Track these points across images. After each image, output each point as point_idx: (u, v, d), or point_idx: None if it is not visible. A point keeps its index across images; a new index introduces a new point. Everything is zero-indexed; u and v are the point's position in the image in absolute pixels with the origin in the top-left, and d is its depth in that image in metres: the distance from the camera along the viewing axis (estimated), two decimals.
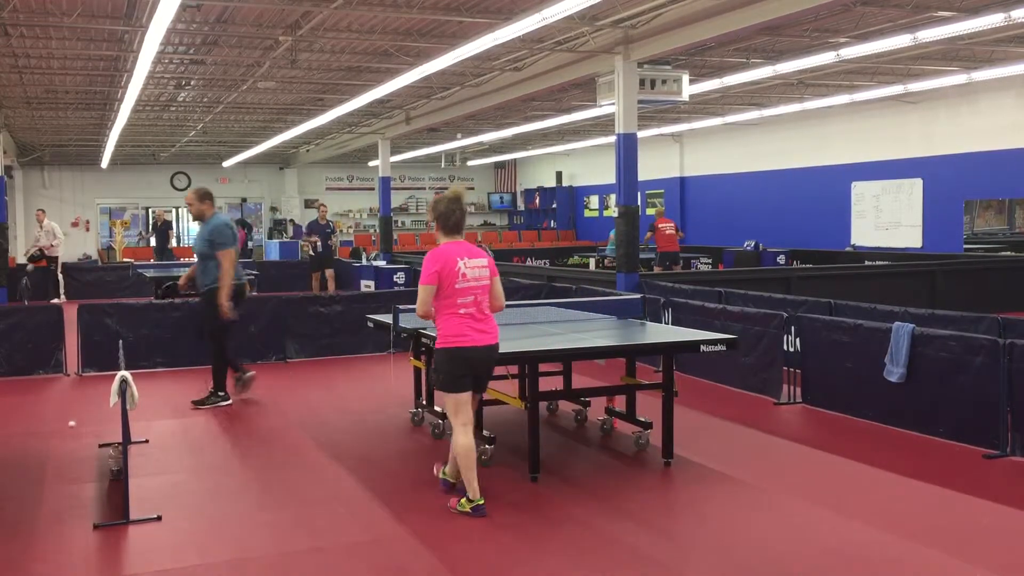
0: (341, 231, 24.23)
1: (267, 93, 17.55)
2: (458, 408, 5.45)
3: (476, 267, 5.38)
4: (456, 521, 5.27)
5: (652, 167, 24.59)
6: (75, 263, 24.77)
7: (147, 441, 7.18)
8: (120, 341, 8.13)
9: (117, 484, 5.71)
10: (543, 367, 6.37)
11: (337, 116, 19.17)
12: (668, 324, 9.89)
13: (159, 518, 5.32)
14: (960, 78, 15.42)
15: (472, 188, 34.44)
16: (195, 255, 8.62)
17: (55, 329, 10.31)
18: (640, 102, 12.77)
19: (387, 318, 7.43)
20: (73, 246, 28.92)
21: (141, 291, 17.38)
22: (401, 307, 7.06)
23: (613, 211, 18.04)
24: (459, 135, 24.80)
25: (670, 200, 26.47)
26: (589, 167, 30.70)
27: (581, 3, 9.39)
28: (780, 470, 6.36)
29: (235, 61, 14.32)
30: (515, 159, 34.11)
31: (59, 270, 18.99)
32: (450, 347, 5.35)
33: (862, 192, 20.44)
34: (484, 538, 5.03)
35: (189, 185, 31.44)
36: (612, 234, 16.85)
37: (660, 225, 19.33)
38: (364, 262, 20.28)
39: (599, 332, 6.95)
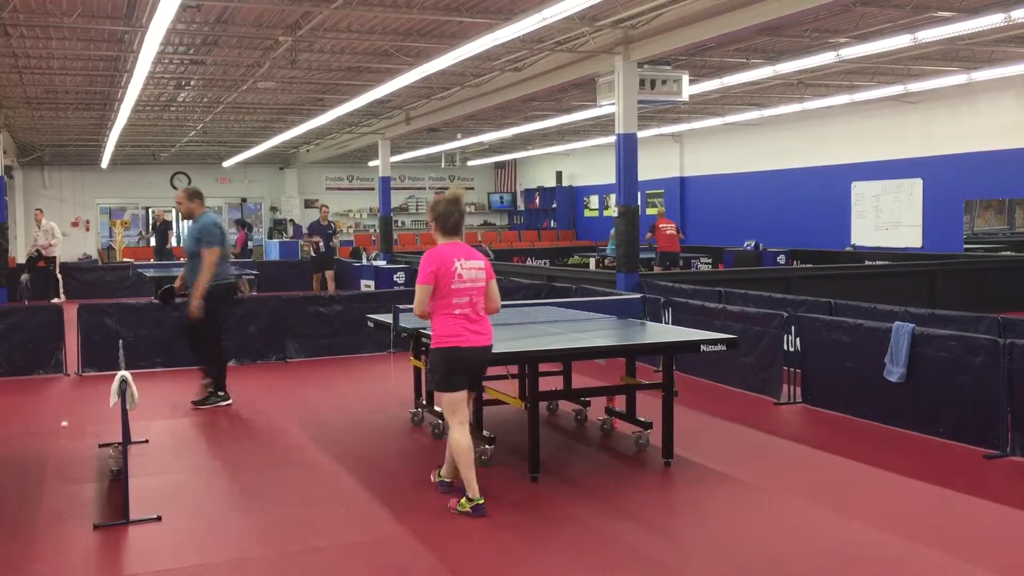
0: (341, 231, 24.23)
1: (267, 93, 17.55)
2: (455, 407, 5.49)
3: (472, 268, 5.42)
4: (456, 521, 5.27)
5: (652, 167, 24.59)
6: (75, 263, 24.78)
7: (147, 441, 7.18)
8: (120, 341, 8.12)
9: (117, 484, 5.70)
10: (543, 367, 6.38)
11: (337, 116, 19.17)
12: (668, 324, 9.89)
13: (159, 518, 5.32)
14: (960, 78, 15.42)
15: (472, 188, 34.44)
16: (185, 254, 8.63)
17: (55, 329, 10.31)
18: (640, 102, 12.76)
19: (387, 318, 7.43)
20: (73, 246, 28.93)
21: (141, 291, 17.39)
22: (401, 307, 7.06)
23: (613, 211, 18.04)
24: (459, 135, 24.80)
25: (670, 200, 26.47)
26: (589, 167, 30.71)
27: (581, 3, 9.39)
28: (780, 470, 6.36)
29: (235, 61, 14.32)
30: (515, 159, 34.11)
31: (57, 270, 18.99)
32: (445, 347, 5.39)
33: (862, 192, 20.44)
34: (484, 538, 5.03)
35: (189, 185, 31.45)
36: (613, 232, 16.87)
37: (661, 225, 19.36)
38: (364, 262, 20.29)
39: (599, 332, 6.95)
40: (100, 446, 6.73)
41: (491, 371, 6.08)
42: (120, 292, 18.97)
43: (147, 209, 30.96)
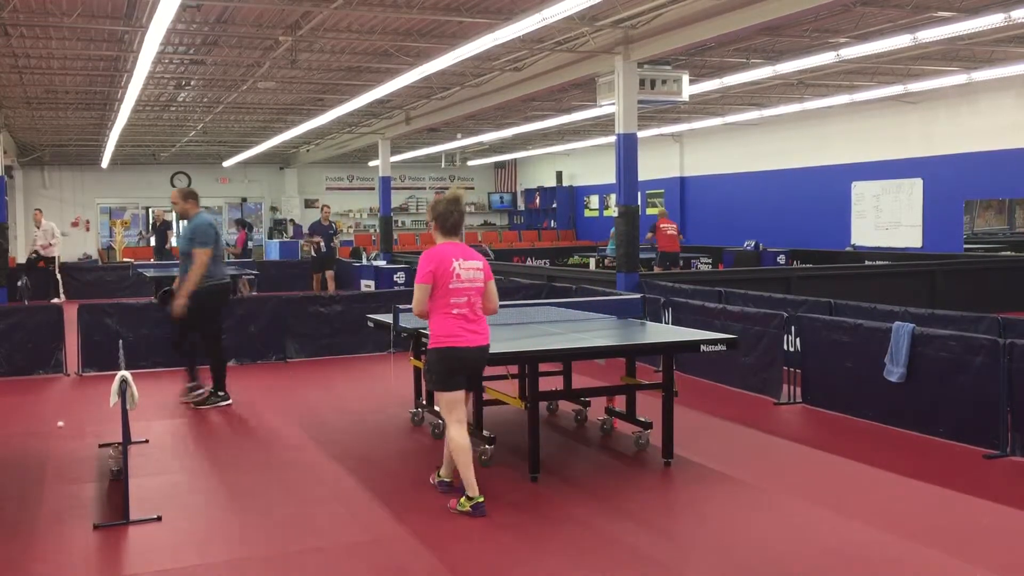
0: (341, 231, 24.25)
1: (267, 93, 17.55)
2: (452, 406, 5.51)
3: (471, 269, 5.44)
4: (456, 521, 5.27)
5: (652, 167, 24.59)
6: (75, 263, 24.77)
7: (147, 441, 7.18)
8: (120, 341, 8.14)
9: (117, 484, 5.70)
10: (543, 367, 6.38)
11: (337, 116, 19.17)
12: (668, 324, 9.89)
13: (159, 518, 5.32)
14: (960, 78, 15.42)
15: (472, 188, 34.44)
16: (179, 254, 8.66)
17: (55, 329, 10.31)
18: (640, 102, 12.76)
19: (387, 318, 7.43)
20: (73, 246, 28.94)
21: (141, 291, 17.39)
22: (401, 307, 7.06)
23: (613, 211, 18.05)
24: (459, 135, 24.80)
25: (670, 200, 26.47)
26: (589, 167, 30.71)
27: (581, 3, 9.39)
28: (780, 470, 6.36)
29: (235, 61, 14.33)
30: (515, 159, 34.11)
31: (57, 270, 18.98)
32: (442, 347, 5.42)
33: (862, 192, 20.44)
34: (484, 538, 5.03)
35: (189, 185, 31.45)
36: (613, 232, 16.87)
37: (662, 225, 19.38)
38: (364, 262, 20.29)
39: (599, 332, 6.95)
40: (100, 446, 6.73)
41: (491, 371, 6.08)
42: (120, 292, 18.97)
43: (147, 209, 30.97)
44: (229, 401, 8.55)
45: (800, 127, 21.88)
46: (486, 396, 6.84)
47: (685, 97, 13.13)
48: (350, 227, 31.99)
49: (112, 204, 31.13)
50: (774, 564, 4.59)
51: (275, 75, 15.45)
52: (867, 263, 17.17)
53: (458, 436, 5.43)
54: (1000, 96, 17.19)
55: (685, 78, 12.90)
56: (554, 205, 32.69)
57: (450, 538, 5.02)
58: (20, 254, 23.99)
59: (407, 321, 6.95)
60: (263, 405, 8.63)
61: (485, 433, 6.57)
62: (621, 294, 11.19)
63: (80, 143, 25.22)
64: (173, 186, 30.91)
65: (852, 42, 12.40)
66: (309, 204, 32.39)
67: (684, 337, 6.81)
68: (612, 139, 13.28)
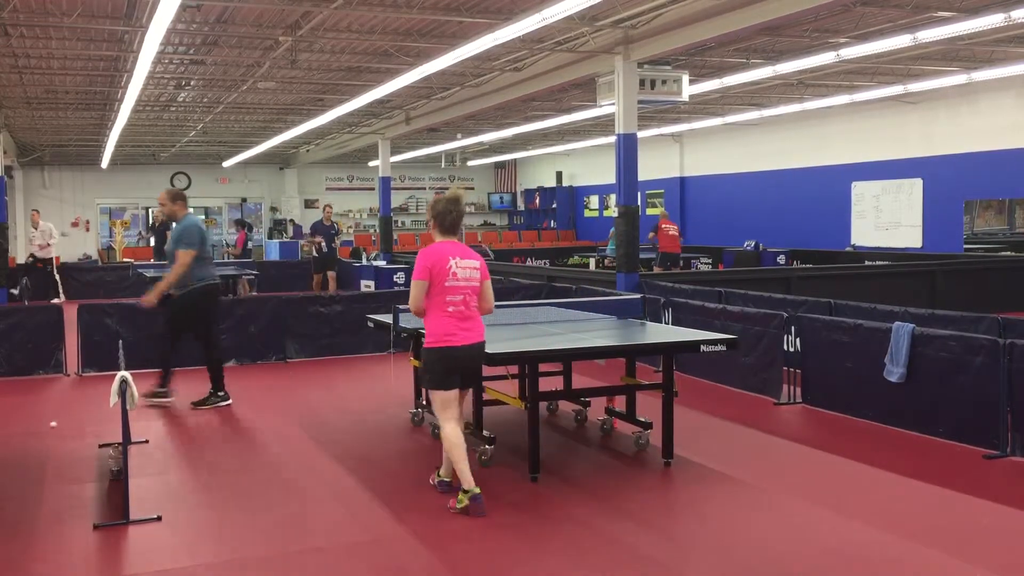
0: (341, 231, 24.25)
1: (267, 93, 17.55)
2: (445, 405, 5.57)
3: (467, 268, 5.49)
4: (456, 521, 5.27)
5: (652, 167, 24.59)
6: (75, 263, 24.77)
7: (147, 441, 7.18)
8: (120, 341, 8.14)
9: (117, 484, 5.70)
10: (543, 367, 6.38)
11: (337, 116, 19.17)
12: (668, 324, 9.90)
13: (159, 518, 5.32)
14: (960, 78, 15.42)
15: (472, 188, 34.44)
16: (167, 256, 8.69)
17: (55, 329, 10.31)
18: (640, 102, 12.77)
19: (387, 318, 7.43)
20: (73, 246, 28.96)
21: (141, 291, 17.23)
22: (401, 307, 7.05)
23: (613, 211, 18.05)
24: (459, 135, 24.80)
25: (670, 200, 26.47)
26: (589, 167, 30.71)
27: (581, 3, 9.39)
28: (780, 470, 6.36)
29: (235, 61, 14.33)
30: (515, 159, 34.11)
31: (55, 271, 18.96)
32: (437, 347, 5.46)
33: (862, 192, 20.44)
34: (484, 538, 5.03)
35: (189, 185, 31.47)
36: (612, 232, 16.87)
37: (664, 225, 19.43)
38: (364, 262, 20.29)
39: (599, 332, 6.95)
40: (100, 446, 6.73)
41: (491, 371, 6.09)
42: (120, 292, 18.95)
43: (147, 209, 30.97)
44: (229, 401, 8.56)
45: (800, 127, 21.88)
46: (486, 396, 6.84)
47: (685, 97, 13.13)
48: (350, 227, 31.99)
49: (112, 204, 31.14)
50: (774, 564, 4.59)
51: (275, 75, 15.45)
52: (867, 263, 17.17)
53: (451, 432, 5.48)
54: (1000, 96, 17.20)
55: (685, 78, 12.90)
56: (554, 205, 32.70)
57: (450, 538, 5.02)
58: (20, 254, 23.97)
59: (407, 321, 6.95)
60: (263, 405, 8.63)
61: (485, 433, 6.58)
62: (621, 294, 11.19)
63: (80, 143, 25.22)
64: (173, 186, 30.94)
65: (852, 42, 12.40)
66: (309, 204, 32.40)
67: (684, 337, 6.81)
68: (612, 139, 13.28)
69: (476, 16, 11.16)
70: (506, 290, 12.73)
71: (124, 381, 5.26)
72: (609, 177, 14.64)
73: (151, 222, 28.04)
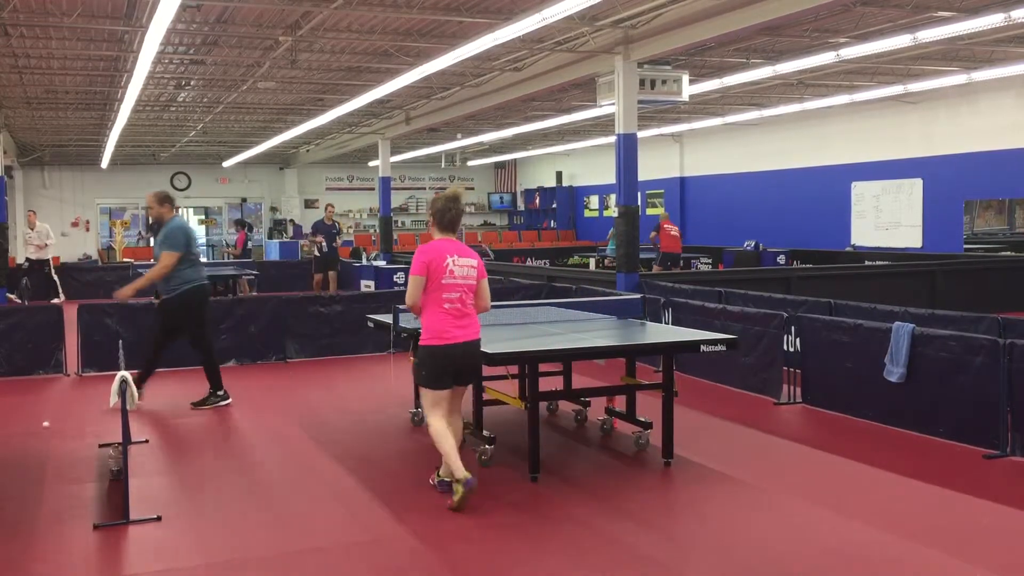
0: (342, 231, 24.23)
1: (267, 93, 17.55)
2: (435, 403, 5.63)
3: (465, 266, 5.54)
4: (456, 521, 5.27)
5: (652, 167, 24.60)
6: (75, 263, 24.76)
7: (147, 441, 7.18)
8: (120, 341, 8.14)
9: (117, 484, 5.70)
10: (543, 367, 6.38)
11: (337, 116, 19.17)
12: (668, 324, 9.89)
13: (159, 518, 5.32)
14: (960, 78, 15.43)
15: (472, 188, 34.45)
16: (154, 257, 8.71)
17: (55, 329, 10.31)
18: (640, 102, 12.77)
19: (387, 318, 7.42)
20: (73, 246, 28.96)
21: (142, 291, 17.33)
22: (401, 307, 7.05)
23: (613, 211, 18.06)
24: (459, 135, 24.80)
25: (670, 200, 26.48)
26: (589, 167, 30.71)
27: (581, 3, 9.39)
28: (780, 470, 6.36)
29: (235, 61, 14.33)
30: (515, 159, 34.11)
31: (52, 271, 18.94)
32: (433, 345, 5.51)
33: (862, 192, 20.45)
34: (484, 538, 5.03)
35: (189, 185, 31.50)
36: (612, 232, 16.89)
37: (666, 226, 19.49)
38: (364, 262, 20.29)
39: (599, 332, 6.95)
40: (100, 446, 6.73)
41: (491, 371, 6.09)
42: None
43: (147, 209, 30.92)
44: (228, 400, 8.55)
45: (800, 127, 21.88)
46: (486, 396, 6.84)
47: (685, 97, 13.13)
48: (350, 227, 31.99)
49: (112, 204, 31.13)
50: (774, 564, 4.59)
51: (275, 75, 15.45)
52: (867, 263, 17.17)
53: (437, 424, 5.57)
54: (1000, 96, 17.20)
55: (685, 78, 12.90)
56: (554, 205, 32.70)
57: (450, 538, 5.02)
58: (20, 255, 23.96)
59: (407, 321, 6.94)
60: (263, 405, 8.63)
61: (485, 433, 6.58)
62: (621, 294, 11.18)
63: (80, 143, 25.22)
64: (173, 186, 30.96)
65: (852, 42, 12.40)
66: (309, 204, 32.40)
67: (684, 337, 6.81)
68: (612, 139, 13.28)
69: (476, 16, 11.16)
70: (506, 290, 12.73)
71: (124, 381, 5.27)
72: (609, 177, 14.64)
73: (150, 222, 28.01)
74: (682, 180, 26.45)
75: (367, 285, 18.01)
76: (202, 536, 5.15)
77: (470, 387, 6.43)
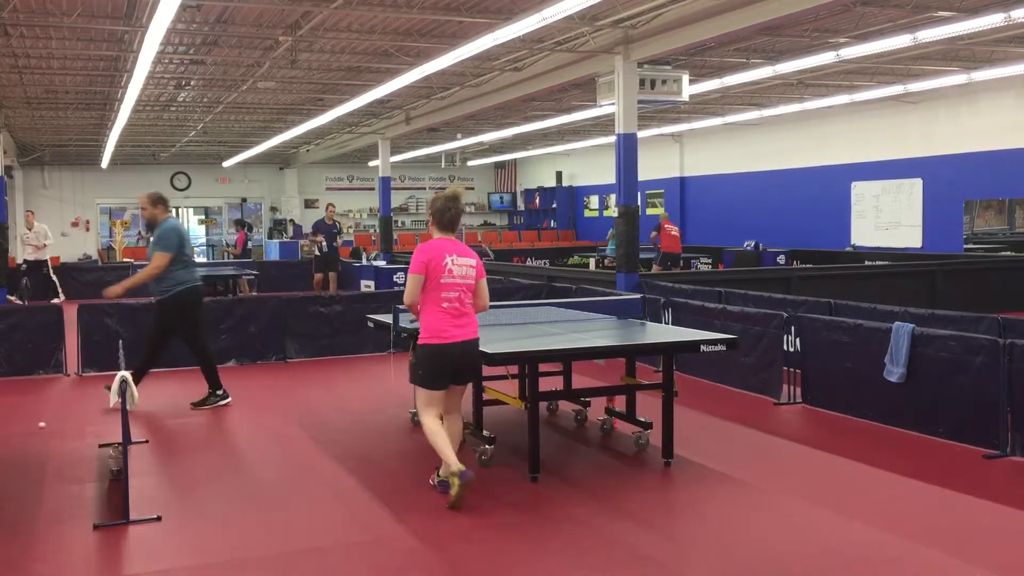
0: (343, 231, 24.19)
1: (267, 93, 17.55)
2: (429, 403, 5.67)
3: (463, 265, 5.56)
4: (456, 521, 5.27)
5: (652, 167, 24.60)
6: (75, 263, 24.75)
7: (147, 441, 7.18)
8: (120, 341, 8.14)
9: (117, 484, 5.70)
10: (543, 367, 6.38)
11: (337, 116, 19.17)
12: (668, 324, 9.89)
13: (159, 518, 5.32)
14: (960, 78, 15.43)
15: (472, 188, 34.45)
16: (146, 257, 8.69)
17: (55, 329, 10.31)
18: (640, 102, 12.77)
19: (387, 318, 7.42)
20: (73, 246, 28.96)
21: (141, 291, 17.32)
22: (401, 307, 7.05)
23: (613, 211, 18.06)
24: (459, 135, 24.81)
25: (670, 200, 26.48)
26: (589, 167, 30.71)
27: (581, 3, 9.39)
28: (780, 470, 6.36)
29: (235, 61, 14.33)
30: (515, 159, 34.12)
31: (51, 272, 18.92)
32: (431, 344, 5.52)
33: (862, 192, 20.45)
34: (484, 538, 5.03)
35: (189, 185, 31.50)
36: (612, 232, 16.88)
37: (667, 226, 19.51)
38: (364, 262, 20.28)
39: (599, 332, 6.95)
40: (100, 446, 6.72)
41: (491, 371, 6.09)
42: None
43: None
44: (228, 399, 8.55)
45: (800, 127, 21.88)
46: (486, 396, 6.84)
47: (685, 97, 13.13)
48: (350, 227, 31.99)
49: (112, 204, 31.13)
50: (774, 564, 4.59)
51: (275, 75, 15.45)
52: (867, 263, 17.18)
53: (430, 422, 5.60)
54: (1000, 96, 17.20)
55: (685, 78, 12.90)
56: (554, 205, 32.70)
57: (450, 538, 5.02)
58: (20, 255, 23.96)
59: (407, 321, 6.94)
60: (263, 405, 8.63)
61: (485, 433, 6.58)
62: (621, 294, 11.18)
63: (80, 143, 25.22)
64: (173, 186, 30.98)
65: (852, 42, 12.40)
66: (309, 204, 32.40)
67: (684, 337, 6.81)
68: (612, 139, 13.28)
69: (476, 16, 11.16)
70: (506, 290, 12.74)
71: (124, 381, 5.26)
72: (609, 177, 14.64)
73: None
74: (682, 180, 26.45)
75: (367, 285, 18.00)
76: (202, 536, 5.14)
77: (470, 387, 6.44)
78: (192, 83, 16.45)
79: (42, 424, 7.77)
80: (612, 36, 12.24)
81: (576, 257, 25.09)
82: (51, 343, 10.26)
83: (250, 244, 27.07)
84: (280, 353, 11.08)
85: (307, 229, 23.68)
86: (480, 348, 5.73)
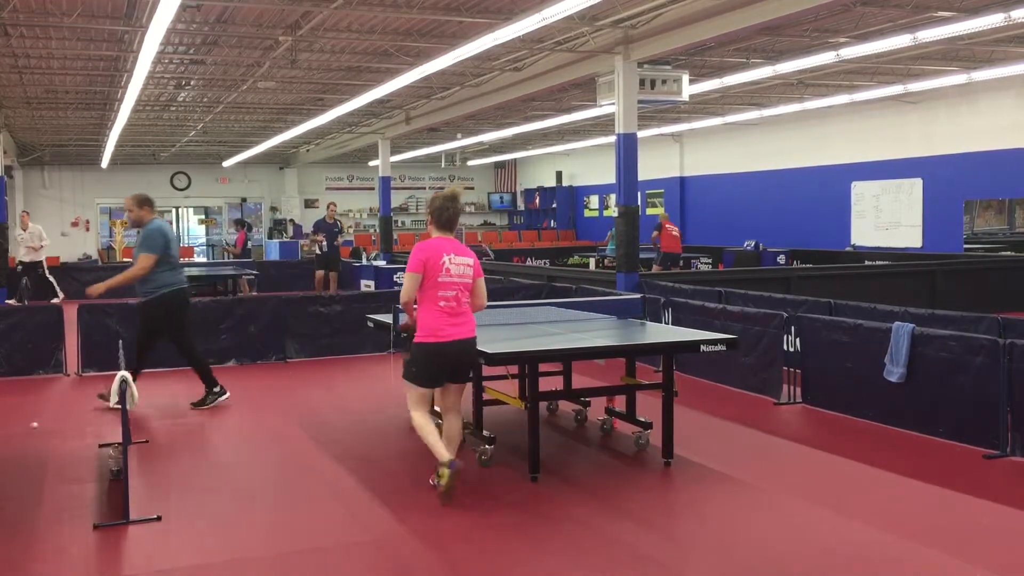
0: (344, 230, 24.18)
1: (267, 93, 17.55)
2: (419, 401, 5.71)
3: (461, 264, 5.58)
4: (456, 521, 5.27)
5: (652, 167, 24.59)
6: (75, 263, 24.75)
7: (147, 441, 7.18)
8: (120, 341, 8.14)
9: (117, 484, 5.70)
10: (543, 367, 6.38)
11: (337, 116, 19.17)
12: (668, 324, 9.89)
13: (159, 518, 5.32)
14: (960, 78, 15.43)
15: (472, 188, 34.44)
16: (132, 258, 8.68)
17: (55, 329, 10.31)
18: (640, 102, 12.77)
19: (387, 318, 7.43)
20: (73, 246, 28.96)
21: (129, 292, 17.30)
22: (401, 307, 7.06)
23: (613, 211, 18.06)
24: (459, 135, 24.81)
25: (670, 200, 26.48)
26: (589, 167, 30.71)
27: (581, 3, 9.39)
28: (780, 470, 6.36)
29: (235, 61, 14.33)
30: (515, 159, 34.11)
31: (47, 272, 18.89)
32: (426, 342, 5.54)
33: (862, 192, 20.44)
34: (484, 538, 5.03)
35: (189, 185, 31.50)
36: (612, 232, 16.88)
37: (667, 226, 19.51)
38: (364, 262, 20.28)
39: (599, 332, 6.95)
40: (100, 446, 6.71)
41: (491, 371, 6.09)
42: (120, 292, 18.90)
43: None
44: (227, 394, 8.53)
45: (800, 127, 21.88)
46: (486, 396, 6.84)
47: (685, 97, 13.13)
48: (350, 227, 31.99)
49: (112, 204, 31.08)
50: (774, 564, 4.59)
51: (275, 75, 15.45)
52: (867, 263, 17.17)
53: (419, 418, 5.64)
54: (1000, 96, 17.19)
55: (685, 78, 12.90)
56: (554, 205, 32.69)
57: (450, 538, 5.02)
58: (19, 254, 23.94)
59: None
60: (263, 405, 8.63)
61: (485, 433, 6.58)
62: (621, 294, 11.19)
63: (80, 143, 25.22)
64: (173, 186, 30.99)
65: (852, 42, 12.40)
66: (309, 204, 32.40)
67: (684, 337, 6.81)
68: (612, 139, 13.28)
69: (476, 16, 11.16)
70: (506, 290, 12.74)
71: (124, 381, 5.27)
72: (609, 177, 14.64)
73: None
74: (682, 180, 26.45)
75: (367, 285, 18.01)
76: (202, 536, 5.14)
77: (470, 387, 6.44)
78: (192, 83, 16.45)
79: (35, 424, 7.76)
80: (612, 36, 12.24)
81: (576, 257, 25.09)
82: (51, 343, 10.27)
83: (250, 244, 27.08)
84: (280, 353, 11.09)
85: (307, 229, 23.68)
86: (480, 348, 5.74)
